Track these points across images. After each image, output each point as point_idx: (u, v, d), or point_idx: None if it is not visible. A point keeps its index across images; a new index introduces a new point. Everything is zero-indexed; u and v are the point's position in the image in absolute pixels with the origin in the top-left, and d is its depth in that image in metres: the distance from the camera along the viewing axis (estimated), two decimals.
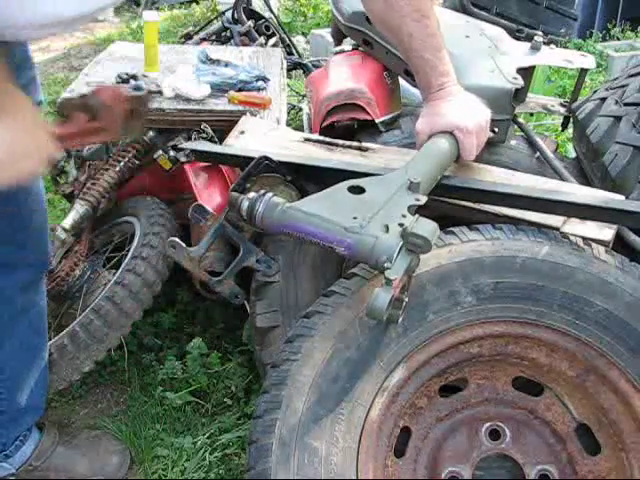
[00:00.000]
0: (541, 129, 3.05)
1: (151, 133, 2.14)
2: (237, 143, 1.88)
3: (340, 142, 1.88)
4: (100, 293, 1.96)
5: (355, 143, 1.89)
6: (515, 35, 2.25)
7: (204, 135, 2.03)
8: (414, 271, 1.28)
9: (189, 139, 2.08)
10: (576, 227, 1.56)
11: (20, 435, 1.70)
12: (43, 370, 1.72)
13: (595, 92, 2.15)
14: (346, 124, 2.08)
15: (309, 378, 1.25)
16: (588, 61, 2.06)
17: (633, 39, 4.88)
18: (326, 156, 1.82)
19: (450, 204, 1.67)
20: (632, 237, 1.59)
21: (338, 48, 2.46)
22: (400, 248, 1.20)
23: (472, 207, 1.66)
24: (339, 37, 2.55)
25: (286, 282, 1.73)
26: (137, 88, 1.43)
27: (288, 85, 2.97)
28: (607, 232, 1.55)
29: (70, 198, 2.35)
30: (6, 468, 1.70)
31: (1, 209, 1.41)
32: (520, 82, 1.85)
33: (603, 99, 2.02)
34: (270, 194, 1.35)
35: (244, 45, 3.09)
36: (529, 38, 2.12)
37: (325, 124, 2.09)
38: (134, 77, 2.20)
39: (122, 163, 2.12)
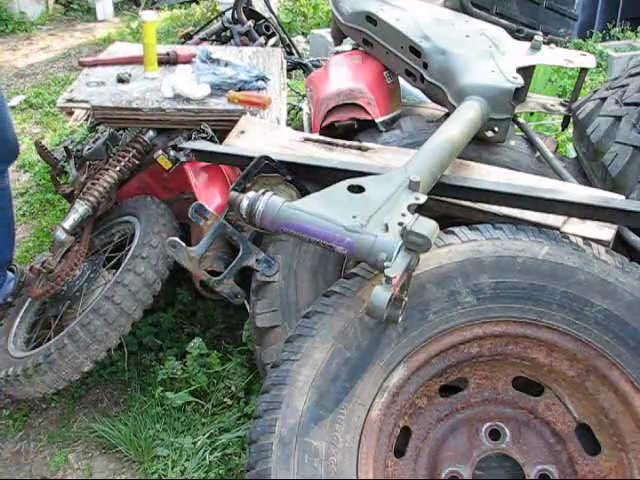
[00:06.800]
0: (541, 129, 3.04)
1: (151, 133, 2.14)
2: (237, 143, 1.88)
3: (340, 142, 1.88)
4: (100, 293, 1.95)
5: (355, 143, 1.89)
6: (515, 35, 2.25)
7: (204, 135, 2.03)
8: (414, 270, 1.28)
9: (189, 139, 2.07)
10: (576, 227, 1.56)
11: None
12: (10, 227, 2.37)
13: (595, 92, 2.14)
14: (346, 124, 2.08)
15: (309, 378, 1.25)
16: (588, 60, 2.06)
17: (633, 39, 4.87)
18: (326, 156, 1.82)
19: (450, 204, 1.67)
20: (632, 237, 1.59)
21: (338, 48, 2.46)
22: (400, 247, 1.20)
23: (472, 207, 1.66)
24: (339, 37, 2.56)
25: (286, 282, 1.73)
26: None
27: (288, 85, 2.96)
28: (607, 232, 1.55)
29: (70, 198, 2.35)
30: None
31: None
32: (520, 81, 1.85)
33: (603, 99, 2.02)
34: (270, 193, 1.35)
35: (244, 45, 3.08)
36: (529, 38, 2.12)
37: (325, 124, 2.09)
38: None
39: (122, 163, 2.12)
